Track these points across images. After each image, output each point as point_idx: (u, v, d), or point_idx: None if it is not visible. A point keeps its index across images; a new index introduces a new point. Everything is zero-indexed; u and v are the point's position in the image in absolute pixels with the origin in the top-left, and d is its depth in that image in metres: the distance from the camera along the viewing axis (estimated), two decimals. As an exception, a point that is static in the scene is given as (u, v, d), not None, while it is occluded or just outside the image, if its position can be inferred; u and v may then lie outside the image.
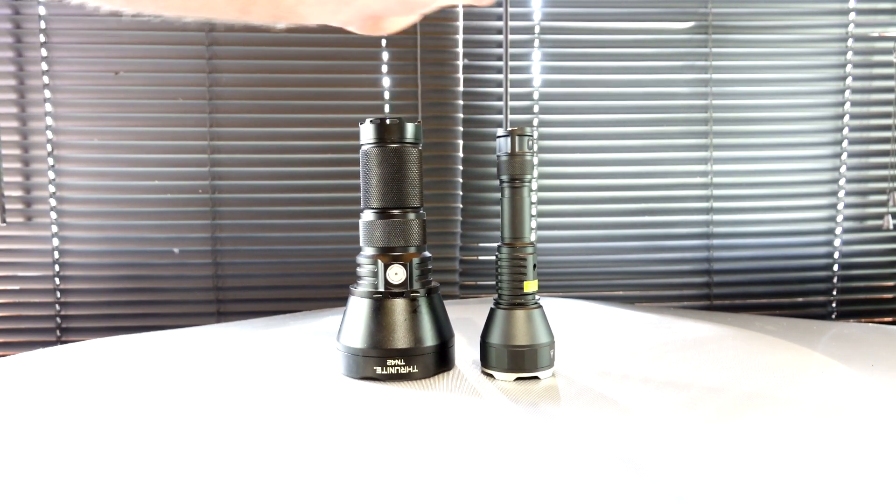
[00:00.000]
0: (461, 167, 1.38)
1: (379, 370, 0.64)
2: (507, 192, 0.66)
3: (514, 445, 0.48)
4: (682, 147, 1.42)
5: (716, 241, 1.44)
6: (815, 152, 1.44)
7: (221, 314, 1.37)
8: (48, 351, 0.80)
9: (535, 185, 1.38)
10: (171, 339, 0.87)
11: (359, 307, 0.66)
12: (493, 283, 0.68)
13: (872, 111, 1.44)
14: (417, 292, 0.66)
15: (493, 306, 0.67)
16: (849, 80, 1.42)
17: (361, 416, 0.55)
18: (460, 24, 1.36)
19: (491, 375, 0.66)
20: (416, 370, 0.65)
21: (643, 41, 1.40)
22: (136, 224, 1.34)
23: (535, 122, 1.39)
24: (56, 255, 1.33)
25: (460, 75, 1.37)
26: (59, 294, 1.34)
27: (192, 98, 1.33)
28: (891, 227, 1.42)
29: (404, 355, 0.64)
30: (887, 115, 1.43)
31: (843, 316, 1.49)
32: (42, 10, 1.28)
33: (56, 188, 1.32)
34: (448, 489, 0.41)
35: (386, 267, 0.65)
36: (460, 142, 1.38)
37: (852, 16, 1.41)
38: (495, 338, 0.65)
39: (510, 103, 1.37)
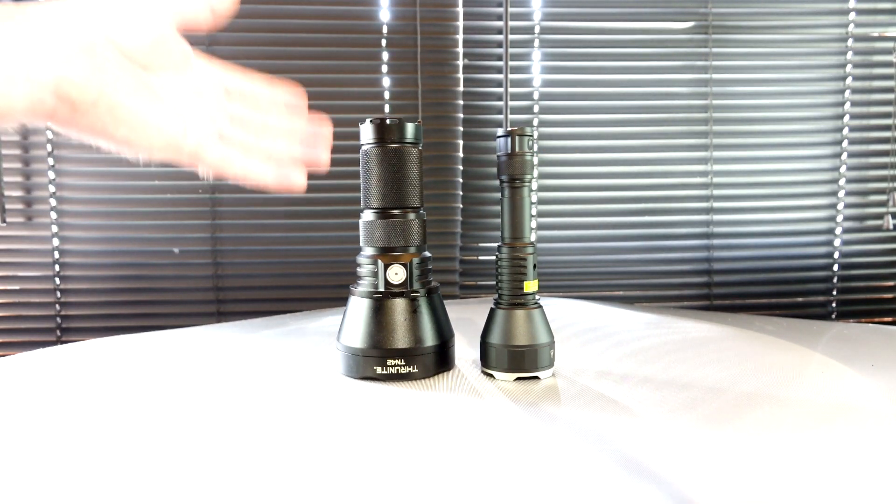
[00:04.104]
0: (461, 167, 1.38)
1: (379, 370, 0.64)
2: (507, 192, 0.66)
3: (514, 445, 0.48)
4: (682, 147, 1.42)
5: (716, 241, 1.44)
6: (815, 152, 1.44)
7: (221, 314, 1.37)
8: (48, 351, 0.80)
9: (535, 185, 1.38)
10: (171, 339, 0.87)
11: (359, 307, 0.66)
12: (493, 283, 0.68)
13: (872, 111, 1.44)
14: (417, 292, 0.66)
15: (493, 306, 0.67)
16: (849, 80, 1.42)
17: (361, 416, 0.55)
18: (460, 24, 1.36)
19: (491, 375, 0.66)
20: (416, 370, 0.65)
21: (643, 41, 1.40)
22: (136, 224, 1.34)
23: (535, 122, 1.39)
24: (56, 255, 1.33)
25: (460, 75, 1.37)
26: (59, 294, 1.34)
27: (192, 98, 1.33)
28: (891, 227, 1.42)
29: (404, 355, 0.64)
30: (887, 115, 1.43)
31: (843, 316, 1.49)
32: (42, 10, 1.28)
33: (56, 188, 1.32)
34: (448, 489, 0.41)
35: (386, 267, 0.65)
36: (460, 142, 1.38)
37: (852, 16, 1.41)
38: (495, 338, 0.65)
39: (510, 103, 1.37)
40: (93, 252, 1.34)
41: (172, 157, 0.42)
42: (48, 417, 0.56)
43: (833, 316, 1.49)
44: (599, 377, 0.65)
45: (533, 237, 0.65)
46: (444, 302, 0.71)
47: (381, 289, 0.65)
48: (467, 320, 0.91)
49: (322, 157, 0.48)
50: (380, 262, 0.65)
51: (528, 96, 1.38)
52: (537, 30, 1.38)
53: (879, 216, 1.45)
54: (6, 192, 1.31)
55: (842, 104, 1.43)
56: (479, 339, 0.67)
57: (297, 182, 0.46)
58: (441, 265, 1.39)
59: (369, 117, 0.67)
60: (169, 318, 1.34)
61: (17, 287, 1.34)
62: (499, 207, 0.68)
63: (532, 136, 0.65)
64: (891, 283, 1.49)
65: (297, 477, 0.43)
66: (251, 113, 0.46)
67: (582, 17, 1.38)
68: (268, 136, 0.46)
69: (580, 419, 0.53)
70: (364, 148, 0.67)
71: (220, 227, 1.35)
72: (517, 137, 0.64)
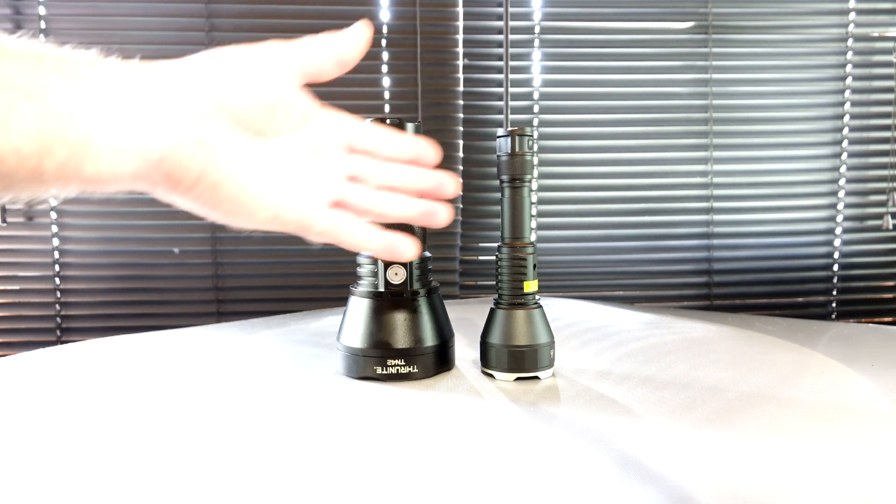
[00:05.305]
0: (461, 167, 1.38)
1: (379, 370, 0.64)
2: (507, 192, 0.66)
3: (514, 445, 0.48)
4: (682, 147, 1.42)
5: (716, 241, 1.43)
6: (815, 152, 1.44)
7: (221, 314, 1.37)
8: (48, 351, 0.80)
9: (535, 185, 1.38)
10: (171, 339, 0.87)
11: (359, 307, 0.66)
12: (493, 283, 0.68)
13: (872, 111, 1.44)
14: (417, 292, 0.66)
15: (493, 306, 0.67)
16: (849, 80, 1.42)
17: (361, 416, 0.55)
18: (460, 24, 1.36)
19: (491, 375, 0.66)
20: (416, 370, 0.65)
21: (643, 41, 1.40)
22: (136, 224, 1.34)
23: (535, 122, 1.39)
24: (56, 255, 1.33)
25: (460, 75, 1.37)
26: (59, 294, 1.34)
27: (192, 98, 1.33)
28: (891, 227, 1.42)
29: (404, 355, 0.64)
30: (887, 115, 1.43)
31: (843, 316, 1.49)
32: (42, 10, 1.28)
33: (56, 188, 1.32)
34: (448, 489, 0.41)
35: (386, 267, 0.65)
36: (460, 142, 1.38)
37: (852, 16, 1.41)
38: (495, 338, 0.65)
39: (510, 103, 1.37)
40: (93, 252, 1.34)
41: (277, 228, 0.38)
42: (48, 417, 0.56)
43: (833, 316, 1.49)
44: (599, 377, 0.65)
45: (533, 237, 0.65)
46: (444, 302, 0.71)
47: (381, 289, 0.65)
48: (467, 320, 0.91)
49: (441, 217, 0.41)
50: (380, 262, 0.65)
51: (528, 96, 1.38)
52: (537, 30, 1.38)
53: (879, 216, 1.45)
54: (6, 192, 1.31)
55: (842, 104, 1.43)
56: (479, 339, 0.67)
57: (405, 251, 0.40)
58: (441, 265, 1.39)
59: (369, 117, 0.67)
60: (169, 318, 1.34)
61: (17, 287, 1.34)
62: (499, 207, 0.68)
63: (532, 136, 0.65)
64: (891, 283, 1.49)
65: (298, 477, 0.43)
66: (373, 169, 0.41)
67: (582, 17, 1.38)
68: (386, 196, 0.41)
69: (580, 419, 0.53)
70: (364, 148, 0.67)
71: (220, 227, 1.35)
72: (517, 137, 0.64)
